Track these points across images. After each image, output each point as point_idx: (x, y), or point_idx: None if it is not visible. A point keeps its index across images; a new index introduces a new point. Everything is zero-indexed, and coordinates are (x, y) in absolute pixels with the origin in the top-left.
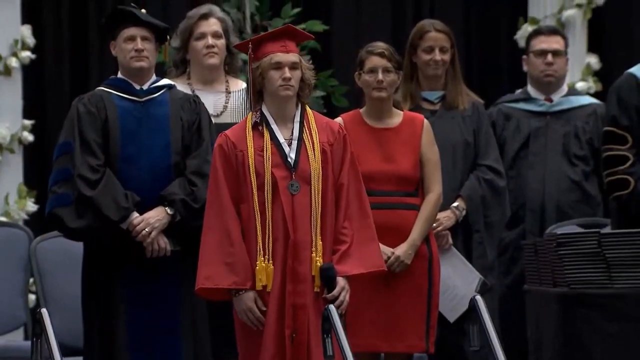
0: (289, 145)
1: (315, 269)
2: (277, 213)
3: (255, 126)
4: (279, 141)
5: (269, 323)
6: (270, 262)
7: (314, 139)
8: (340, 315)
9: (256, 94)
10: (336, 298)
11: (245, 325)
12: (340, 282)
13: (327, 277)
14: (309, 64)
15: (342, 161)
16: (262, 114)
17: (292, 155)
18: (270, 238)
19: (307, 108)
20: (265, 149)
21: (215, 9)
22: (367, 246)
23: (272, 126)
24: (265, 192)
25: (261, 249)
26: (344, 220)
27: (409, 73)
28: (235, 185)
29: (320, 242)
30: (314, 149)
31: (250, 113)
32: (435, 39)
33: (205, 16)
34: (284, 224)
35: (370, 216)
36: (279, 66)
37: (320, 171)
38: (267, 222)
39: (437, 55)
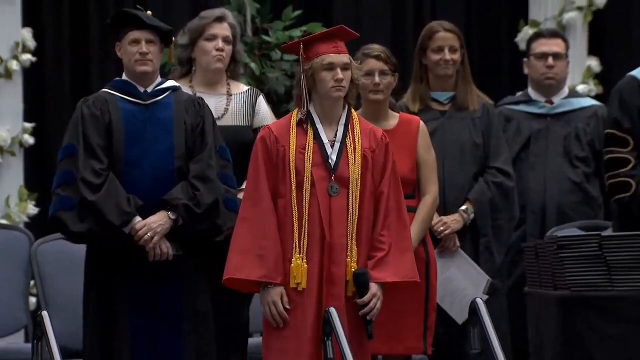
0: (332, 146)
1: (350, 274)
2: (313, 213)
3: (299, 124)
4: (322, 141)
5: (307, 325)
6: (305, 261)
7: (357, 144)
8: (370, 322)
9: (309, 95)
10: (367, 304)
11: (273, 326)
12: (373, 288)
13: (361, 283)
14: (358, 65)
15: (383, 170)
16: (308, 112)
17: (334, 157)
18: (306, 237)
19: (353, 111)
20: (307, 148)
21: (229, 14)
22: (404, 256)
23: (318, 126)
24: (304, 191)
25: (297, 246)
26: (382, 229)
27: (419, 75)
28: (274, 179)
29: (356, 248)
30: (355, 154)
31: (296, 110)
32: (444, 39)
33: (220, 19)
34: (320, 225)
35: (408, 227)
36: (331, 67)
37: (360, 176)
38: (304, 220)
39: (447, 55)
